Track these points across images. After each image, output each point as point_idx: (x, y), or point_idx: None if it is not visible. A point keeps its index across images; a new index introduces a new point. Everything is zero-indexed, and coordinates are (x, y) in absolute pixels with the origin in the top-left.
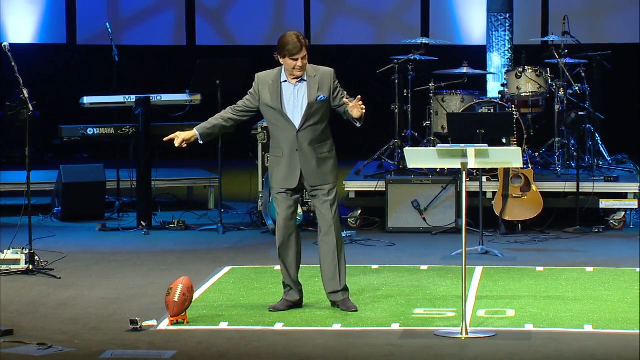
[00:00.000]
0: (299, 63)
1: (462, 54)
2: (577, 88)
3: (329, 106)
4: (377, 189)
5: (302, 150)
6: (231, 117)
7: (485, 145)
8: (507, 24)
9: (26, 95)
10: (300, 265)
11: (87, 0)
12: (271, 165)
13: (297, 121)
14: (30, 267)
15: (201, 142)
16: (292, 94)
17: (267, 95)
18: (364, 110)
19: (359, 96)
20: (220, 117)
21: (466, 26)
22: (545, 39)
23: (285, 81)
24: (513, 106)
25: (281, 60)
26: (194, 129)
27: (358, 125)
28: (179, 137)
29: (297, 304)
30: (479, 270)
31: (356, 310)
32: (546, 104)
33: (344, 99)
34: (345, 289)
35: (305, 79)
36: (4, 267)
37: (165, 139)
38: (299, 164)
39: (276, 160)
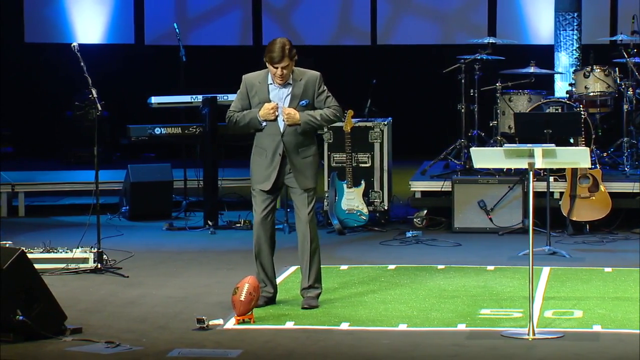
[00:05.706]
0: (279, 72)
1: (530, 53)
2: None
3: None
4: (443, 189)
5: (288, 154)
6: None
7: (553, 145)
8: (575, 23)
9: (94, 95)
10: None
11: (154, 1)
12: (252, 164)
13: (281, 125)
14: (99, 265)
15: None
16: (277, 96)
17: (255, 98)
18: (287, 121)
19: (290, 109)
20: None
21: (533, 25)
22: (613, 38)
23: (272, 83)
24: (581, 106)
25: (267, 64)
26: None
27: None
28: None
29: (273, 299)
30: (546, 270)
31: (309, 308)
32: (614, 103)
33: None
34: (314, 287)
35: (291, 82)
36: (73, 265)
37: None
38: (279, 167)
39: (257, 161)
